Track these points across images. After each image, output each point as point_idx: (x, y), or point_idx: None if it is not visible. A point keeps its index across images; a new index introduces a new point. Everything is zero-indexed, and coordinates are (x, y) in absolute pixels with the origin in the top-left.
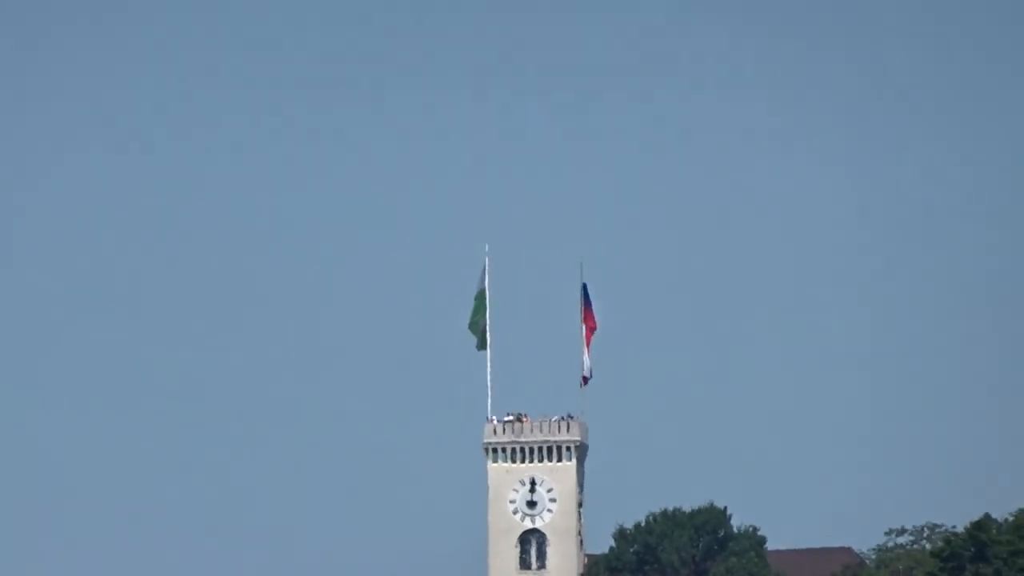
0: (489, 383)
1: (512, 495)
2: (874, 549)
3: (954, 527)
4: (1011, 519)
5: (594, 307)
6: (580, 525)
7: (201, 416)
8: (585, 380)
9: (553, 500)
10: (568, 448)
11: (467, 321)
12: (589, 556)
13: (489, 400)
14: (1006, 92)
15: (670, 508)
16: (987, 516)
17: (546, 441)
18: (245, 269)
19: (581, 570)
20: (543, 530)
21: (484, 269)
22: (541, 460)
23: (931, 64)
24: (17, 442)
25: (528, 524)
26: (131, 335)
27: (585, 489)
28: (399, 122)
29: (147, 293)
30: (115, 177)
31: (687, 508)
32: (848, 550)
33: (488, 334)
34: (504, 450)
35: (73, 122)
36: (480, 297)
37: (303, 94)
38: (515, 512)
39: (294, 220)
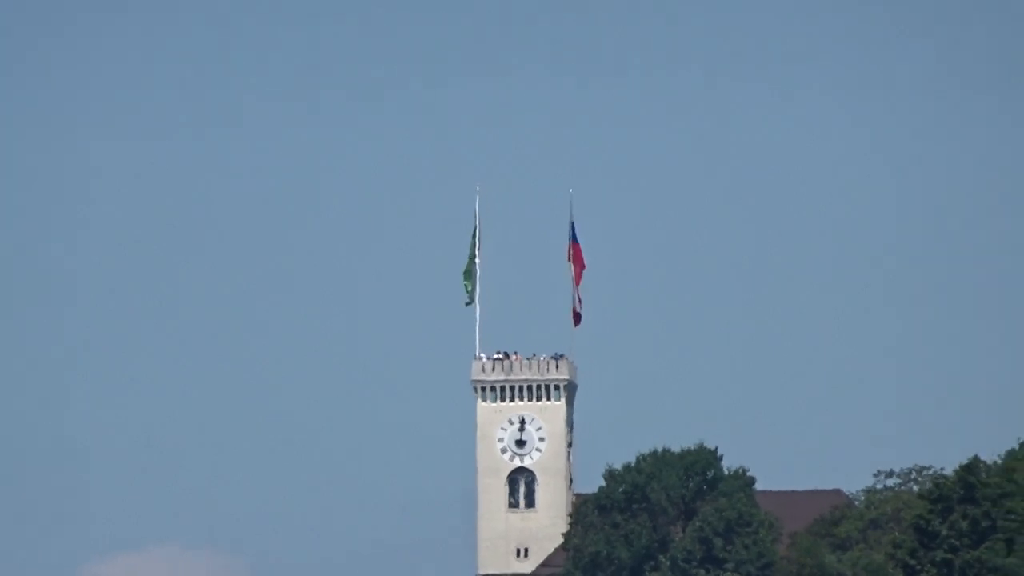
0: (478, 322)
1: (501, 434)
2: (863, 491)
3: (943, 469)
4: (1000, 461)
5: (582, 245)
6: (569, 464)
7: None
8: (577, 318)
9: (542, 439)
10: (557, 387)
11: (458, 262)
12: (578, 495)
13: (478, 339)
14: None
15: (660, 448)
16: (976, 459)
17: (535, 380)
18: (236, 209)
19: (570, 509)
20: (532, 469)
21: (475, 209)
22: (530, 399)
23: None
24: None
25: (517, 463)
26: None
27: (574, 428)
28: (389, 65)
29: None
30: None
31: (677, 448)
32: (837, 492)
33: (477, 279)
34: (493, 389)
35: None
36: (472, 241)
37: (288, 36)
38: (504, 451)
39: (289, 162)
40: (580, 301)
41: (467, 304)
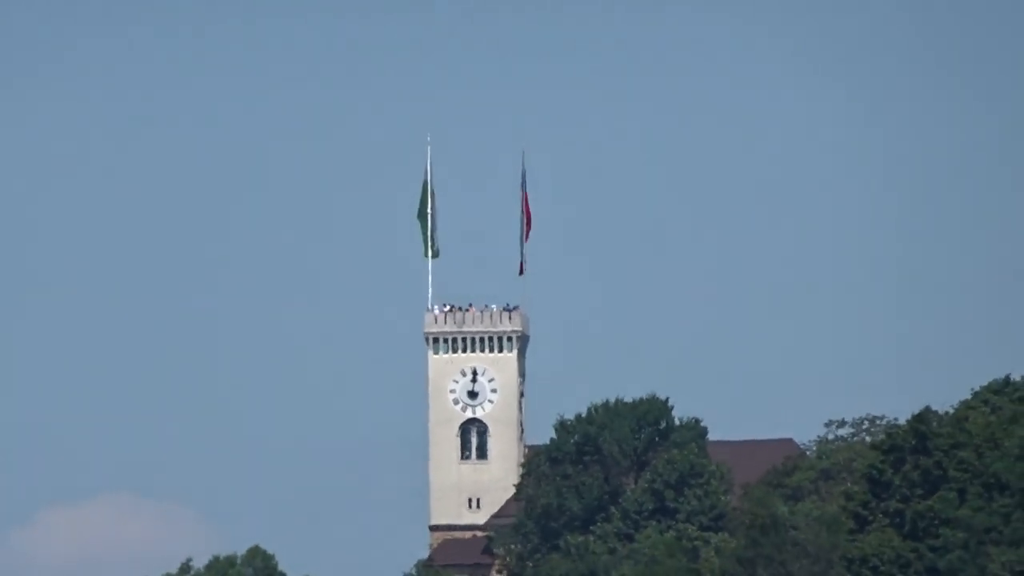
0: (430, 274)
1: (453, 385)
2: (815, 441)
3: (895, 419)
4: (952, 412)
5: (532, 197)
6: (521, 416)
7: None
8: (521, 268)
9: (494, 391)
10: (510, 338)
11: (409, 214)
12: (530, 447)
13: (430, 291)
14: None
15: (611, 399)
16: (928, 409)
17: (487, 331)
18: (187, 159)
19: (521, 460)
20: (484, 420)
21: (427, 159)
22: (482, 350)
23: None
24: None
25: (469, 414)
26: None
27: (526, 379)
28: (341, 15)
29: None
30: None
31: (628, 399)
32: (789, 441)
33: (432, 229)
34: (445, 340)
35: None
36: (424, 189)
37: None
38: (456, 402)
39: (236, 110)
40: (523, 253)
41: (426, 255)
